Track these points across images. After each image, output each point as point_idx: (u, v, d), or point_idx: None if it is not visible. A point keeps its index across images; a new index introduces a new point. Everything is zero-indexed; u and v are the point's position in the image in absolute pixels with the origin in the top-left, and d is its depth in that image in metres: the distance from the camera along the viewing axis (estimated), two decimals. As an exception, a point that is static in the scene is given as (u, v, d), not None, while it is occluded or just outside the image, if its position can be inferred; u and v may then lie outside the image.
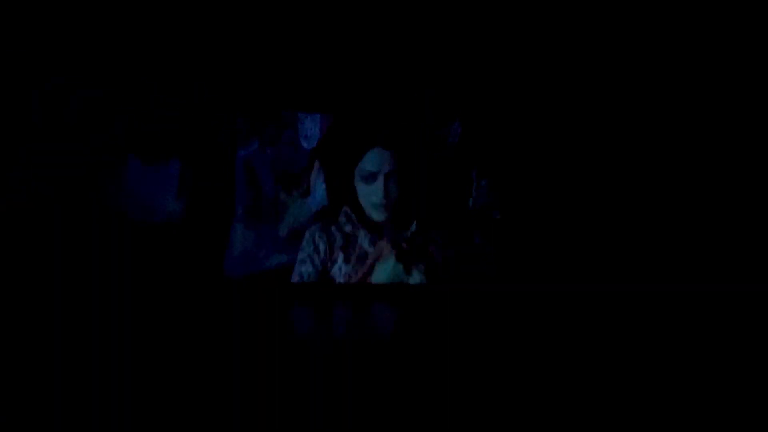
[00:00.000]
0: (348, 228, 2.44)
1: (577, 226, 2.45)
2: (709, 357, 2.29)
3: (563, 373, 2.32)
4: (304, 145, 2.47)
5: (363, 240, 2.44)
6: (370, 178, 2.41)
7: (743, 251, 2.37)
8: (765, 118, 2.39)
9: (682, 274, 2.38)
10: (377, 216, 2.43)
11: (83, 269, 2.17)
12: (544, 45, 2.44)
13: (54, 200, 2.19)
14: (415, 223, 2.45)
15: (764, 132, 2.39)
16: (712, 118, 2.42)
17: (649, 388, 2.27)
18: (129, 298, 2.18)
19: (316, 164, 2.47)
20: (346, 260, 2.42)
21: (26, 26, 2.21)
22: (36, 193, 2.18)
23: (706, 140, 2.43)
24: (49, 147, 2.22)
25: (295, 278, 2.40)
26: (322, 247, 2.42)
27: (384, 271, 2.42)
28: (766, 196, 2.39)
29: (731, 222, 2.39)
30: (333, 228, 2.44)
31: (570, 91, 2.46)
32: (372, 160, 2.41)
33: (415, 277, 2.43)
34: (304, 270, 2.41)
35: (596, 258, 2.42)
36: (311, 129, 2.48)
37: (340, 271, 2.42)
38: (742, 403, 2.21)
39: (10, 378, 1.98)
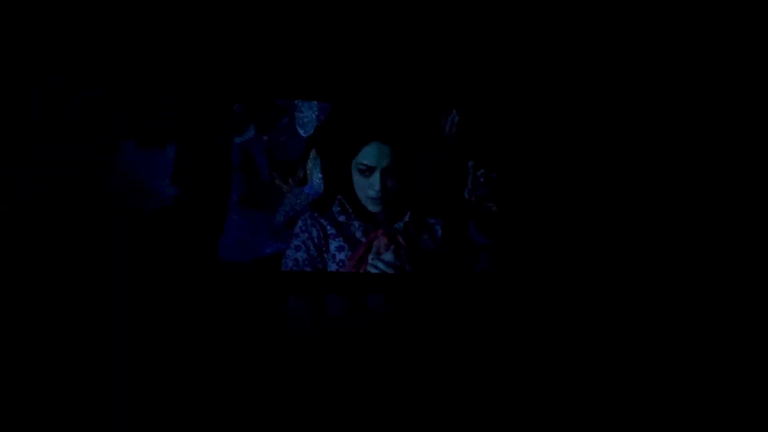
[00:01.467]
0: (342, 218, 2.45)
1: (576, 218, 2.42)
2: (707, 356, 2.27)
3: (559, 366, 2.31)
4: (301, 132, 2.47)
5: (356, 229, 2.44)
6: (367, 171, 2.41)
7: (743, 250, 2.33)
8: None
9: (683, 266, 2.35)
10: (372, 208, 2.44)
11: (81, 259, 2.20)
12: (541, 36, 2.38)
13: (54, 200, 2.22)
14: (409, 213, 2.45)
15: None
16: (709, 108, 2.37)
17: (650, 386, 2.25)
18: (126, 288, 2.21)
19: (313, 152, 2.47)
20: (340, 248, 2.43)
21: (26, 26, 2.23)
22: (36, 193, 2.21)
23: (707, 128, 2.38)
24: (49, 147, 2.24)
25: (289, 264, 2.42)
26: (315, 234, 2.43)
27: (377, 261, 2.43)
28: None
29: (731, 217, 2.35)
30: (327, 216, 2.45)
31: (567, 81, 2.40)
32: (369, 154, 2.41)
33: (409, 268, 2.43)
34: (298, 256, 2.42)
35: (594, 252, 2.40)
36: (308, 116, 2.47)
37: (333, 258, 2.43)
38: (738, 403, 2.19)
39: (10, 378, 2.02)
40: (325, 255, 2.43)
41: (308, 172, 2.47)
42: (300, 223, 2.43)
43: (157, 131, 2.37)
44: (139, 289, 2.23)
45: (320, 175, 2.46)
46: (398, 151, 2.42)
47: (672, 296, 2.32)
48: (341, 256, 2.43)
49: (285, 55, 2.42)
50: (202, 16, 2.34)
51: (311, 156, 2.46)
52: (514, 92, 2.44)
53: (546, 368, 2.32)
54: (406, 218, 2.44)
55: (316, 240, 2.43)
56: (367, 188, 2.42)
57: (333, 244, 2.43)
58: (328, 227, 2.44)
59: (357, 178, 2.43)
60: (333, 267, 2.42)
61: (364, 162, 2.41)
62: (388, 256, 2.43)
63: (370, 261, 2.43)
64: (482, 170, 2.46)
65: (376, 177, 2.40)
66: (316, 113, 2.46)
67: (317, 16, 2.40)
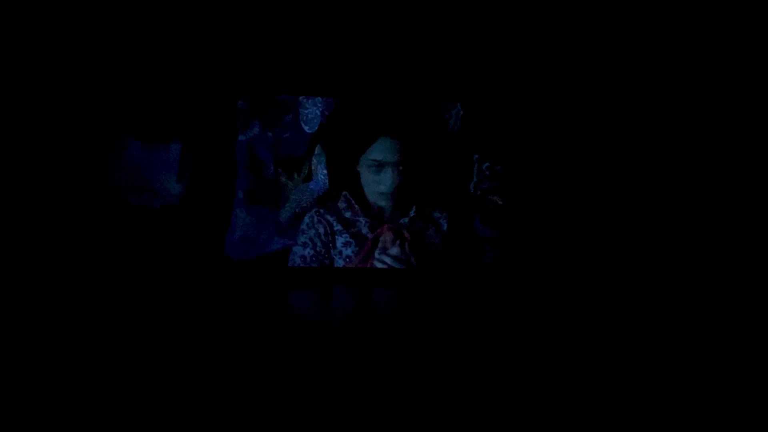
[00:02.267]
0: (348, 214, 2.44)
1: (581, 211, 2.42)
2: (705, 355, 2.28)
3: (565, 358, 2.31)
4: (305, 128, 2.47)
5: (363, 225, 2.45)
6: (378, 167, 2.42)
7: (743, 248, 2.34)
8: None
9: (685, 257, 2.35)
10: (382, 203, 2.44)
11: (85, 258, 2.19)
12: (546, 31, 2.38)
13: (56, 199, 2.21)
14: (415, 207, 2.45)
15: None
16: (705, 101, 2.37)
17: (654, 380, 2.26)
18: (133, 286, 2.20)
19: (318, 148, 2.46)
20: (346, 244, 2.43)
21: (27, 26, 2.22)
22: (39, 192, 2.20)
23: (705, 121, 2.38)
24: (53, 145, 2.24)
25: (296, 261, 2.42)
26: (322, 230, 2.43)
27: (384, 256, 2.43)
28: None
29: (731, 206, 2.35)
30: (333, 212, 2.45)
31: (572, 76, 2.41)
32: (381, 150, 2.42)
33: (415, 262, 2.43)
34: (305, 253, 2.43)
35: (599, 244, 2.40)
36: (312, 113, 2.47)
37: (340, 255, 2.43)
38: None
39: (10, 378, 2.01)
40: (332, 251, 2.44)
41: (313, 168, 2.46)
42: (307, 219, 2.43)
43: (161, 129, 2.37)
44: (145, 288, 2.22)
45: (325, 171, 2.46)
46: (406, 146, 2.42)
47: (674, 283, 2.33)
48: (348, 251, 2.43)
49: (289, 52, 2.41)
50: (205, 15, 2.33)
51: (316, 152, 2.46)
52: (519, 86, 2.44)
53: (552, 360, 2.32)
54: (412, 213, 2.44)
55: (323, 236, 2.44)
56: (378, 184, 2.42)
57: (339, 240, 2.43)
58: (335, 223, 2.44)
59: (366, 174, 2.43)
60: (340, 263, 2.43)
61: (376, 158, 2.41)
62: (394, 250, 2.43)
63: (376, 256, 2.43)
64: (487, 163, 2.46)
65: (387, 172, 2.40)
66: (321, 109, 2.46)
67: (320, 11, 2.38)
